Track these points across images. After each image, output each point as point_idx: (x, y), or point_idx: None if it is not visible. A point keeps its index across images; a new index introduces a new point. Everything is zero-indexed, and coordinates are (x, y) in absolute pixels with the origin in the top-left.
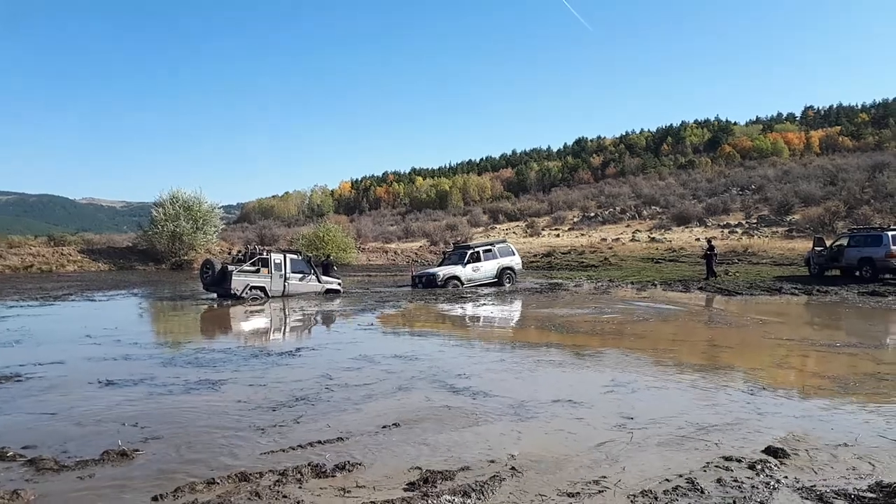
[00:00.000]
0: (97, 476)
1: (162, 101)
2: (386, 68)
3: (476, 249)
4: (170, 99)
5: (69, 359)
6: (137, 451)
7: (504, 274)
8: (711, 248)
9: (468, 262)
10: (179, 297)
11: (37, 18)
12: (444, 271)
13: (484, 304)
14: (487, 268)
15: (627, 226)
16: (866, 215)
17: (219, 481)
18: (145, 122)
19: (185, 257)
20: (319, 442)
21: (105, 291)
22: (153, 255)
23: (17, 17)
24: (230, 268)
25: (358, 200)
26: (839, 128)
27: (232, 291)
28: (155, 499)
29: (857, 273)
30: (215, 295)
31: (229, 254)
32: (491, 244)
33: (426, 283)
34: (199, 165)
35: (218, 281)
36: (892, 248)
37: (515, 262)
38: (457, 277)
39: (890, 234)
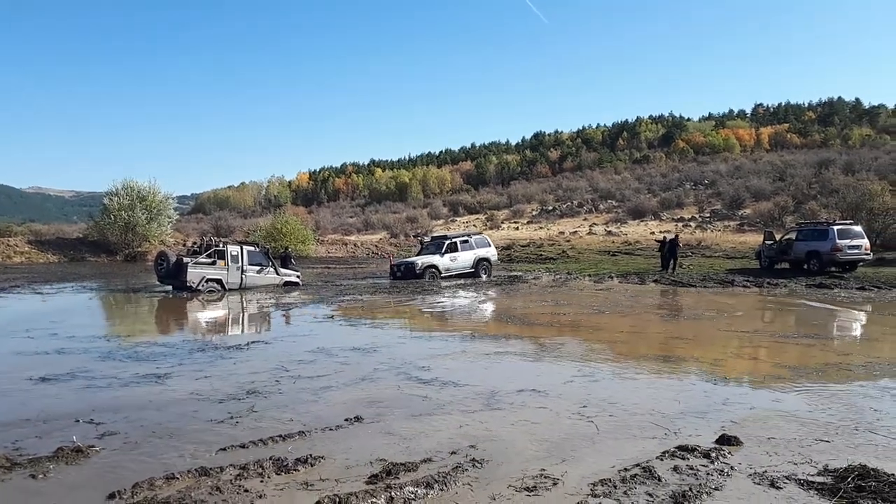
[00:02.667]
0: (51, 473)
1: (112, 88)
2: (345, 57)
3: (453, 240)
4: (121, 86)
5: (0, 353)
6: (93, 447)
7: (480, 265)
8: (676, 241)
9: (446, 252)
10: (132, 290)
11: None
12: (422, 260)
13: (444, 296)
14: (464, 258)
15: (585, 219)
16: (813, 210)
17: (178, 476)
18: (95, 109)
19: (139, 249)
20: (281, 436)
21: (54, 284)
22: (105, 246)
23: None
24: (185, 260)
25: (316, 192)
26: (787, 125)
27: (188, 284)
28: (112, 496)
29: (805, 266)
30: (170, 288)
31: (184, 245)
32: (468, 235)
33: (405, 272)
34: (151, 155)
35: (173, 273)
36: (838, 241)
37: (491, 253)
38: (435, 267)
39: (835, 228)
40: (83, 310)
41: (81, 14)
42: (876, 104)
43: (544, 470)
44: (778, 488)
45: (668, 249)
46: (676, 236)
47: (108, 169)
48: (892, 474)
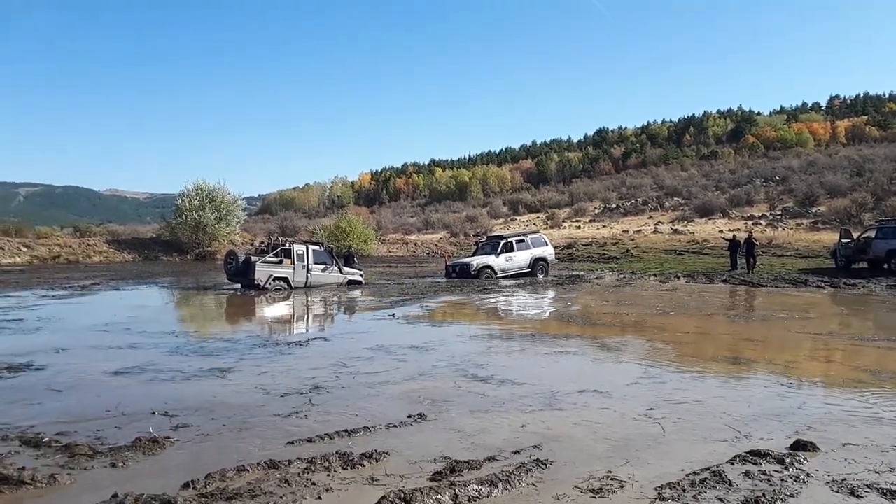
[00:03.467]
0: (130, 462)
1: (184, 92)
2: (405, 58)
3: (509, 240)
4: (191, 90)
5: (77, 346)
6: (168, 438)
7: (537, 264)
8: (753, 240)
9: (501, 252)
10: (203, 288)
11: (52, 10)
12: (477, 261)
13: (501, 295)
14: (520, 258)
15: (650, 217)
16: (894, 207)
17: (248, 468)
18: (168, 113)
19: (209, 248)
20: (347, 431)
21: (130, 281)
22: (177, 245)
23: (32, 10)
24: (253, 259)
25: (378, 192)
26: (866, 117)
27: (255, 282)
28: (186, 485)
29: (885, 265)
30: (239, 285)
31: (252, 245)
32: (524, 234)
33: (460, 273)
34: (220, 157)
35: (242, 272)
36: None
37: (549, 252)
38: (490, 267)
39: None
40: (156, 306)
41: (164, 15)
42: None
43: (610, 472)
44: (858, 497)
45: (746, 248)
46: (751, 234)
47: (180, 171)
48: None
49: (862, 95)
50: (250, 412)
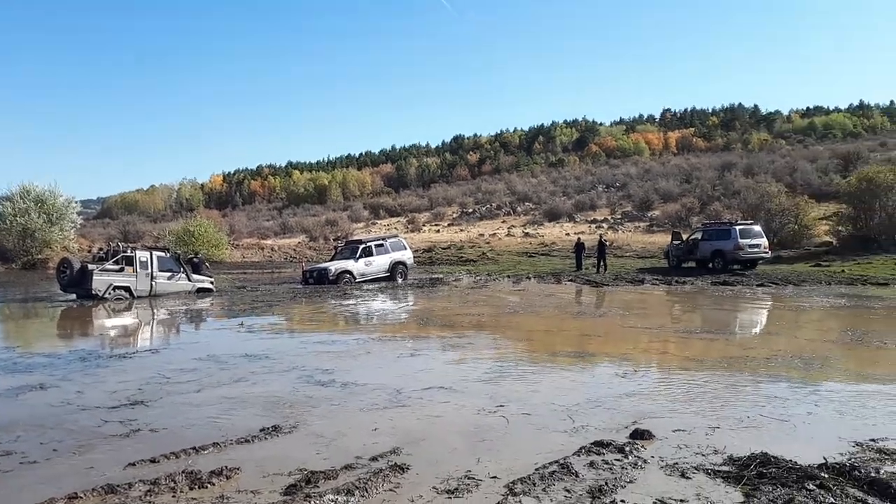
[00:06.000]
0: None
1: (11, 87)
2: (258, 55)
3: (368, 244)
4: (20, 83)
5: None
6: None
7: (396, 268)
8: (604, 242)
9: (360, 257)
10: (33, 299)
11: None
12: (336, 266)
13: (364, 300)
14: (380, 262)
15: (503, 221)
16: (717, 211)
17: (82, 496)
18: None
19: (39, 256)
20: (195, 449)
21: None
22: (1, 253)
23: None
24: (91, 266)
25: (231, 195)
26: (693, 129)
27: (93, 292)
28: None
29: (710, 265)
30: (74, 296)
31: (90, 252)
32: (383, 239)
33: (318, 279)
34: (52, 156)
35: (77, 281)
36: (740, 241)
37: (407, 256)
38: (349, 272)
39: (737, 228)
40: None
41: None
42: (773, 110)
43: (465, 470)
44: (687, 478)
45: (598, 250)
46: (602, 237)
47: (4, 173)
48: (791, 460)
49: (689, 109)
50: (84, 434)
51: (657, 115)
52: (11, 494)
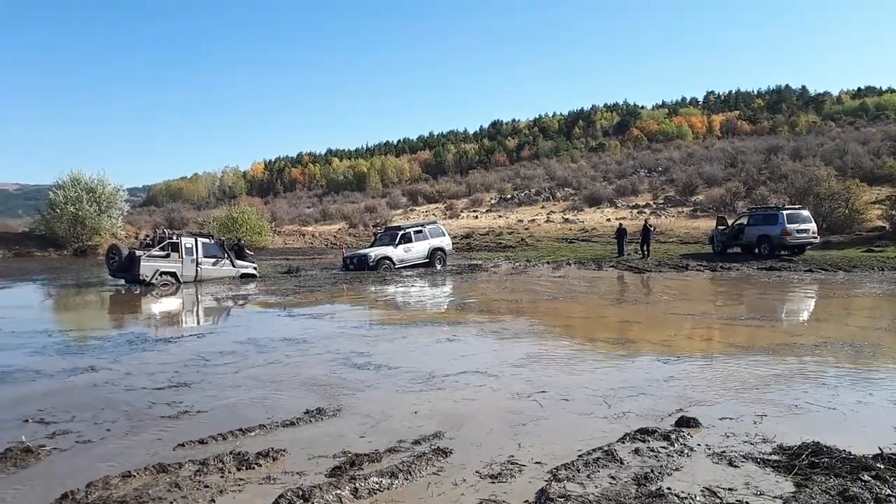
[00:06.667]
0: (1, 475)
1: (58, 78)
2: (299, 44)
3: (407, 230)
4: (64, 72)
5: None
6: (43, 447)
7: (435, 255)
8: (649, 227)
9: (399, 244)
10: (84, 285)
11: None
12: (375, 252)
13: (404, 286)
14: (419, 248)
15: (542, 207)
16: (763, 195)
17: (135, 474)
18: (39, 100)
19: (89, 242)
20: (241, 430)
21: (3, 279)
22: (54, 240)
23: None
24: (138, 253)
25: (272, 182)
26: (738, 112)
27: (141, 277)
28: (64, 496)
29: (756, 250)
30: (123, 281)
31: (136, 238)
32: (422, 225)
33: (358, 265)
34: (101, 146)
35: (126, 267)
36: (787, 226)
37: (446, 242)
38: (388, 258)
39: (785, 213)
40: (31, 305)
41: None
42: (821, 91)
43: (509, 455)
44: (735, 467)
45: (642, 235)
46: (647, 222)
47: (55, 161)
48: (844, 450)
49: (734, 91)
50: (135, 415)
51: (700, 98)
52: (70, 471)
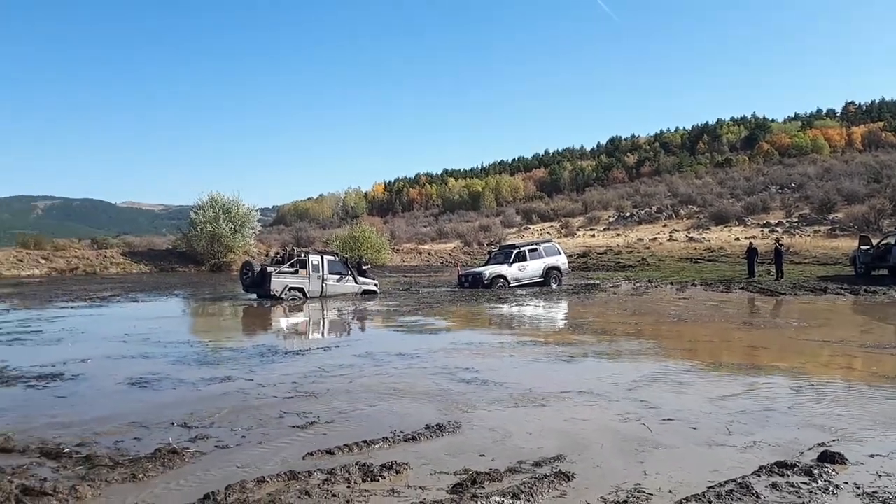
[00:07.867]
0: (150, 473)
1: (199, 104)
2: (415, 68)
3: (522, 249)
4: (206, 102)
5: (96, 357)
6: (187, 449)
7: (550, 273)
8: (780, 247)
9: (514, 262)
10: (220, 299)
11: (73, 22)
12: (490, 271)
13: (518, 305)
14: (533, 267)
15: (664, 225)
16: None
17: (269, 480)
18: (183, 126)
19: (224, 259)
20: (366, 442)
21: (148, 293)
22: (193, 257)
23: (51, 20)
24: (269, 269)
25: (391, 202)
26: (882, 123)
27: (271, 292)
28: (206, 497)
29: None
30: (255, 296)
31: (267, 255)
32: (537, 243)
33: (472, 283)
34: (234, 169)
35: (258, 282)
36: None
37: (562, 261)
38: (503, 277)
39: None
40: (174, 317)
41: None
42: None
43: (635, 483)
44: None
45: (774, 256)
46: (778, 241)
47: (195, 183)
48: None
49: (878, 101)
50: (268, 423)
51: (838, 109)
52: (211, 475)
